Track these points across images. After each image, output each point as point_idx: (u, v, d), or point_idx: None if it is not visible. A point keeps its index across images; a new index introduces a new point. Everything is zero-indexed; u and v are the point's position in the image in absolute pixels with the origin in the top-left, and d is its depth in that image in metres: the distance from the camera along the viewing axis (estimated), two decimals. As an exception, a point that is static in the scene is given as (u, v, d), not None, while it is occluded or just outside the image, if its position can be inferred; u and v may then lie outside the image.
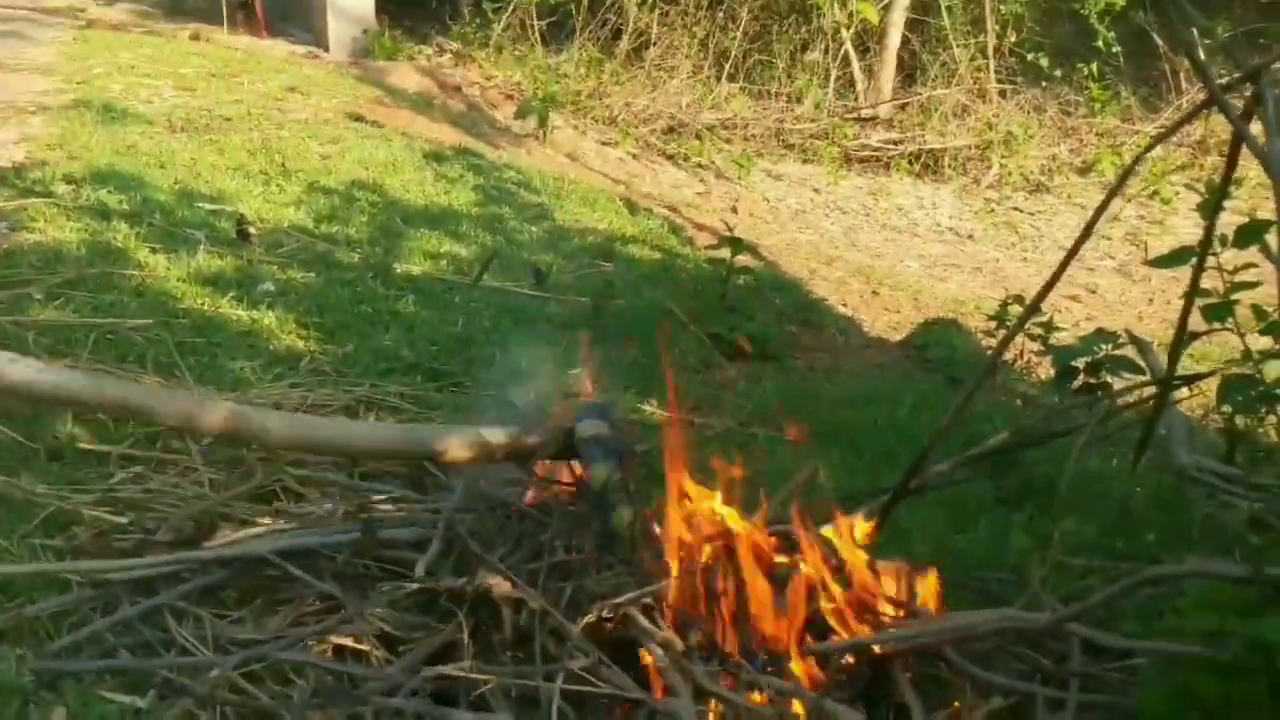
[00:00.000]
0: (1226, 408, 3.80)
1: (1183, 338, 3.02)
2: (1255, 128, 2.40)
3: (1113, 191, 2.74)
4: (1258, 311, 3.63)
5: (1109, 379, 4.56)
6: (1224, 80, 2.76)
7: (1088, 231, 2.68)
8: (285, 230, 6.12)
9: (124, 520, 3.14)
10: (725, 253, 6.27)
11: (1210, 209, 3.03)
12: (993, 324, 6.03)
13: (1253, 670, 2.14)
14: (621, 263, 6.79)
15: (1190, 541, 3.37)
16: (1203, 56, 3.01)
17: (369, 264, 5.80)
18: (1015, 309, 5.73)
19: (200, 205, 6.23)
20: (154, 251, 5.36)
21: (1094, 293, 9.00)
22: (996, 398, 5.36)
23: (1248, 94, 2.44)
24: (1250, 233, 3.46)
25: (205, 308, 4.80)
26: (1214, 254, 3.61)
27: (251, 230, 5.89)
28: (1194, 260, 3.01)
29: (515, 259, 6.34)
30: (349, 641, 2.63)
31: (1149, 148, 3.05)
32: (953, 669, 2.75)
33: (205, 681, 2.44)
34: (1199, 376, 3.47)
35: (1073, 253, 2.69)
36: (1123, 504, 3.57)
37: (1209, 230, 2.93)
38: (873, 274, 8.51)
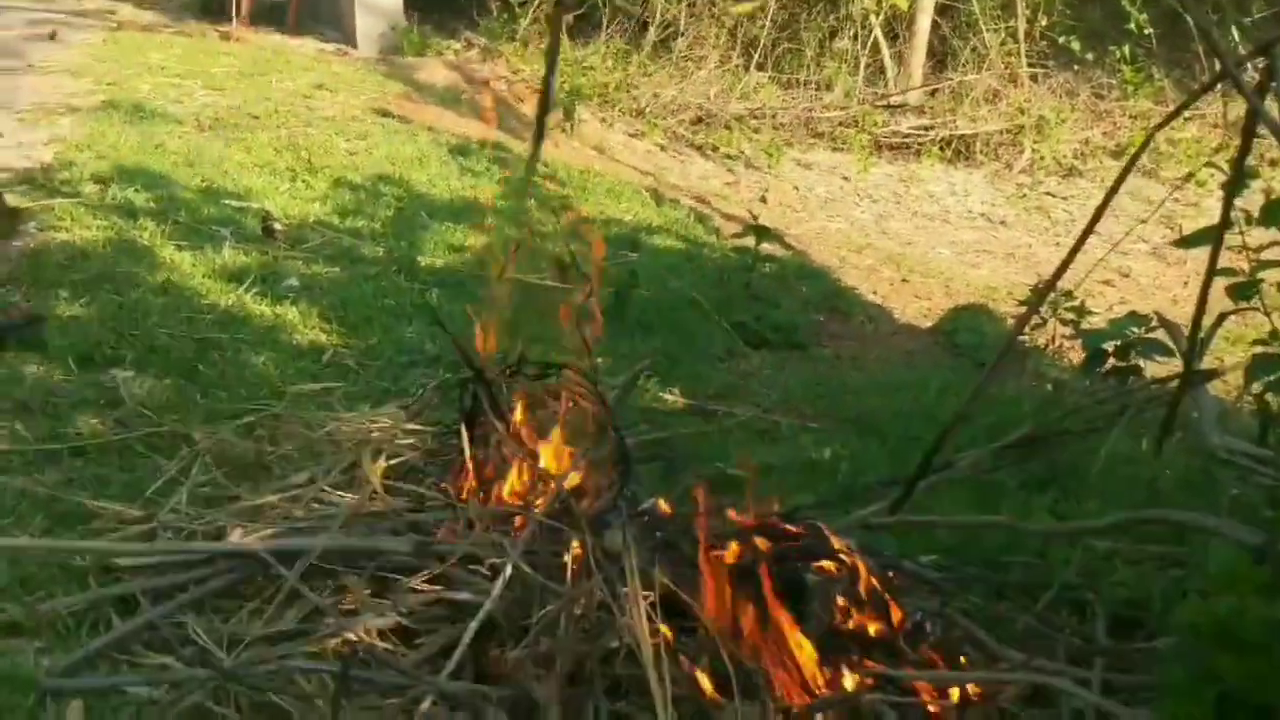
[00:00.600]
0: (1256, 387, 3.76)
1: (1201, 317, 2.99)
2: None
3: (1124, 171, 2.72)
4: (1285, 290, 3.59)
5: (1139, 362, 4.52)
6: (1240, 57, 2.73)
7: (1099, 213, 2.65)
8: (310, 226, 6.15)
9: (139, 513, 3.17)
10: (751, 241, 6.25)
11: (1229, 187, 3.00)
12: (1024, 309, 5.98)
13: (1271, 648, 2.11)
14: (647, 253, 6.78)
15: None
16: (1230, 36, 2.98)
17: (393, 258, 5.82)
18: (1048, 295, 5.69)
19: (226, 202, 6.26)
20: (179, 249, 5.40)
21: (1127, 276, 8.90)
22: (1027, 382, 5.31)
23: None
24: (1275, 210, 3.41)
25: (230, 304, 4.83)
26: (1240, 233, 3.57)
27: (277, 226, 5.92)
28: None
29: (540, 251, 6.33)
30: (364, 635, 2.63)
31: (1159, 126, 3.02)
32: (978, 647, 2.74)
33: (218, 676, 2.45)
34: (1213, 374, 3.45)
35: (1087, 232, 2.66)
36: (1150, 487, 3.53)
37: (1226, 208, 2.90)
38: (903, 261, 8.45)
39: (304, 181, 7.01)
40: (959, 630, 2.81)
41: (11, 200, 5.53)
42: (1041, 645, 2.79)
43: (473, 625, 2.52)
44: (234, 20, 12.01)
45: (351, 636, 2.58)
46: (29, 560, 2.92)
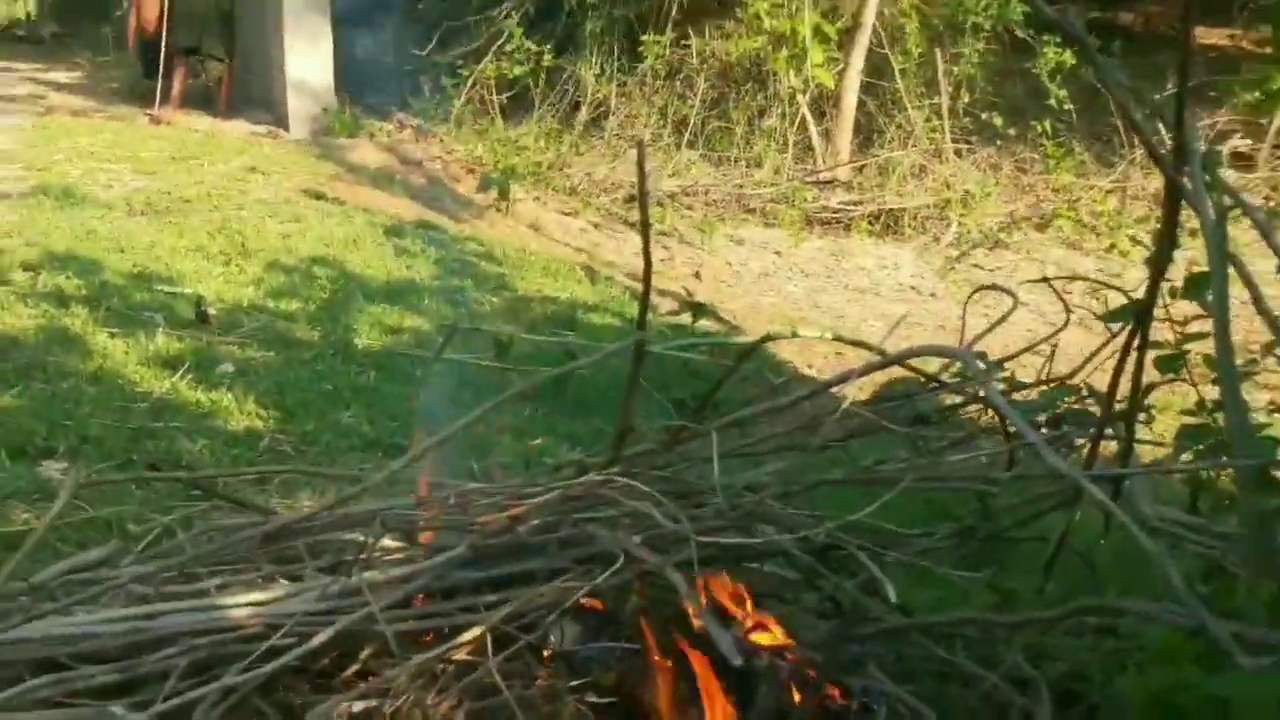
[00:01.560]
0: (1185, 456, 3.82)
1: (1115, 388, 3.07)
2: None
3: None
4: (1209, 361, 3.66)
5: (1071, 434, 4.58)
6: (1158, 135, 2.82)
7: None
8: (245, 310, 6.12)
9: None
10: (687, 318, 6.30)
11: (1155, 262, 3.07)
12: (954, 377, 6.05)
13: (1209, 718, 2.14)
14: (583, 331, 6.81)
15: (1155, 594, 3.38)
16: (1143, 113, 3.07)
17: (329, 341, 5.79)
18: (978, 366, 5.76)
19: (159, 288, 6.23)
20: (112, 336, 5.35)
21: (1057, 347, 9.05)
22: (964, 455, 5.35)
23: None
24: (1196, 285, 3.50)
25: (164, 390, 4.78)
26: (1165, 305, 3.65)
27: (210, 311, 5.89)
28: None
29: (476, 331, 6.34)
30: None
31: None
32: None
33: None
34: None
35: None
36: (1085, 559, 3.56)
37: (1153, 288, 2.97)
38: (828, 340, 8.53)
39: (237, 265, 6.98)
40: (906, 710, 2.81)
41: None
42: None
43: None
44: (164, 104, 11.98)
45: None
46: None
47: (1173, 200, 2.75)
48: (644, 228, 3.02)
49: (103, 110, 12.31)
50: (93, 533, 3.55)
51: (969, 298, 3.62)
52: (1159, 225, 3.27)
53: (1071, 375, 3.72)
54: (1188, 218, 3.03)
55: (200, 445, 4.30)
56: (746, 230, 11.16)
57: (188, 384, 4.89)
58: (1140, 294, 3.36)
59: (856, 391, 6.60)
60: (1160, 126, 3.20)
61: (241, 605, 2.82)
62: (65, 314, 5.52)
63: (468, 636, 2.56)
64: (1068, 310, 3.64)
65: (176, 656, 2.68)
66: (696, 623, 2.47)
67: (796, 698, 2.67)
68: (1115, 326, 3.67)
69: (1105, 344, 3.62)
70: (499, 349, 5.90)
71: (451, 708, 2.42)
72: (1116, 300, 3.76)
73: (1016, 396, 5.17)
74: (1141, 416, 3.53)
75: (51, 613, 2.73)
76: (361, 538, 3.05)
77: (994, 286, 3.62)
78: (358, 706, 2.64)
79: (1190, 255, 3.96)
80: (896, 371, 7.10)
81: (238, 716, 2.64)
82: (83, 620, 2.79)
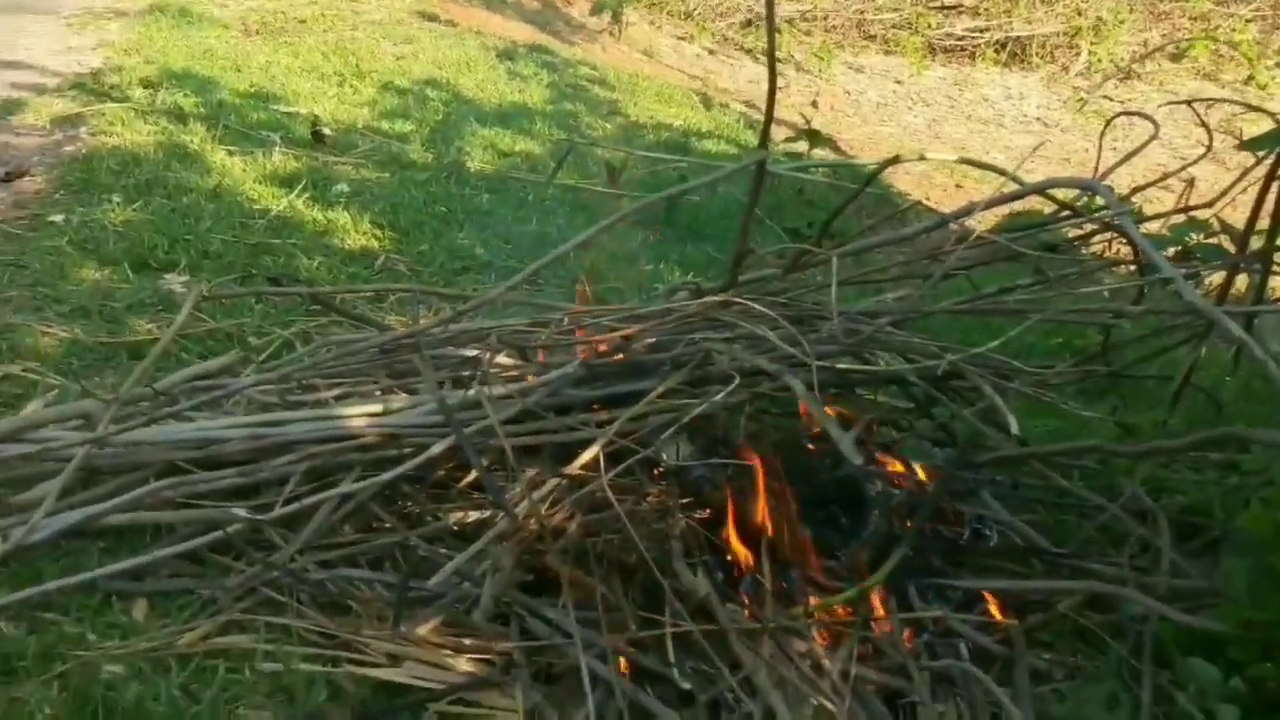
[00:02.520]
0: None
1: (1250, 232, 2.92)
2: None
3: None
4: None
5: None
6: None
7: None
8: (359, 130, 6.12)
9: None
10: (803, 146, 6.16)
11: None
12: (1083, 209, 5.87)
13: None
14: (697, 158, 6.70)
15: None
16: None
17: (442, 163, 5.78)
18: (1099, 200, 5.57)
19: (275, 108, 6.24)
20: (230, 153, 5.38)
21: (1188, 183, 8.72)
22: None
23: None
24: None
25: (281, 209, 4.81)
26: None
27: (326, 132, 5.89)
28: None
29: (589, 155, 6.28)
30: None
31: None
32: (1039, 555, 2.73)
33: (286, 568, 2.47)
34: None
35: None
36: (1211, 395, 3.46)
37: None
38: (957, 167, 8.32)
39: (352, 86, 6.97)
40: (1020, 538, 2.79)
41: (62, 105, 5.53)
42: (1103, 553, 2.77)
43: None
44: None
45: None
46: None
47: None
48: (770, 39, 2.90)
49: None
50: (214, 344, 3.62)
51: (1106, 125, 3.44)
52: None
53: (1207, 205, 3.55)
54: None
55: (317, 262, 4.34)
56: (866, 58, 10.85)
57: (304, 202, 4.92)
58: (1287, 121, 3.20)
59: (978, 223, 6.47)
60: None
61: (360, 416, 2.87)
62: (184, 131, 5.56)
63: (586, 456, 2.57)
64: (1209, 134, 3.45)
65: (296, 463, 2.74)
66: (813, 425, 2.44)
67: (908, 523, 2.66)
68: (1252, 160, 3.51)
69: (1242, 176, 3.46)
70: (611, 173, 5.86)
71: (565, 519, 2.45)
72: (1255, 131, 3.58)
73: (1145, 228, 5.01)
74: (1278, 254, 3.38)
75: (174, 416, 2.80)
76: (478, 353, 3.08)
77: (1132, 113, 3.43)
78: (473, 516, 2.69)
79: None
80: (1022, 203, 6.93)
81: (357, 522, 2.71)
82: (206, 425, 2.86)
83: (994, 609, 2.53)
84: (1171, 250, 4.54)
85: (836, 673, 2.29)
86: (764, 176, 3.01)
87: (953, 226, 3.54)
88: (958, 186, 7.68)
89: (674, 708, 2.20)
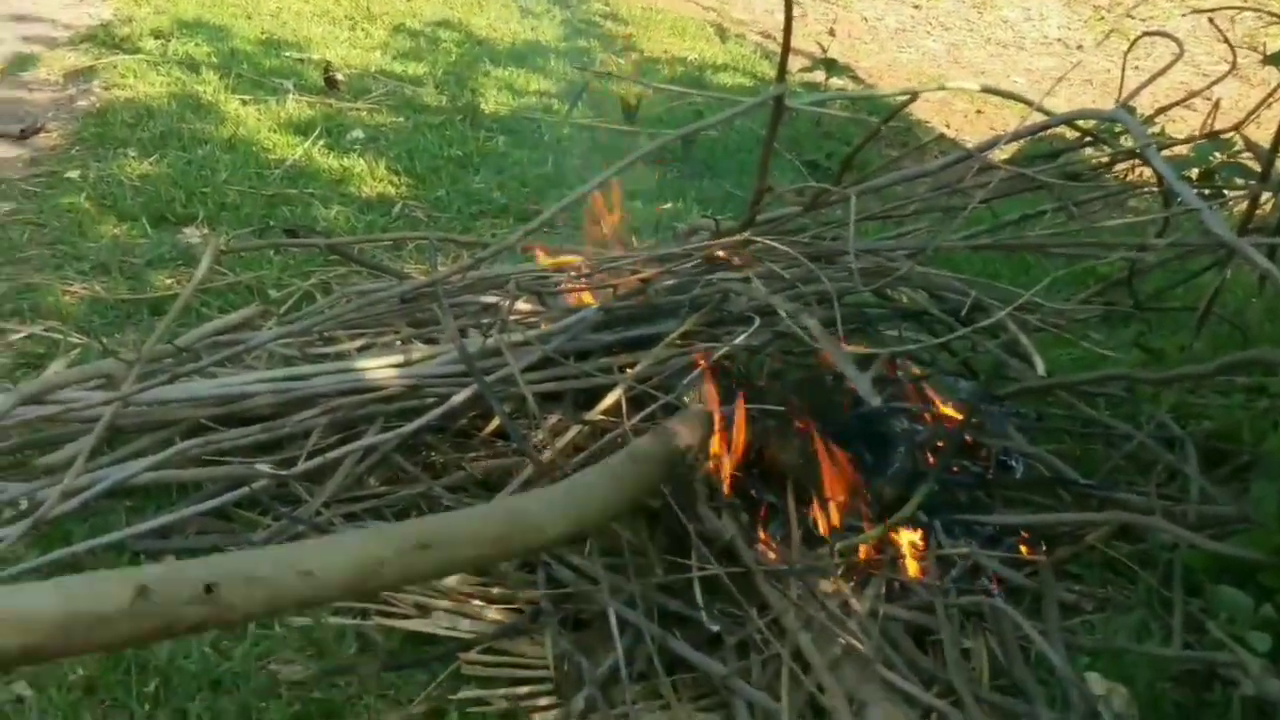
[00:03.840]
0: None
1: (1276, 151, 2.86)
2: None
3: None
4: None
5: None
6: None
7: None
8: (372, 75, 6.07)
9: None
10: (820, 76, 6.08)
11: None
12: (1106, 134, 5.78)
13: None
14: (713, 92, 6.62)
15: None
16: None
17: (456, 106, 5.73)
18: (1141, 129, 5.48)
19: (287, 54, 6.19)
20: (244, 103, 5.35)
21: (1213, 104, 8.58)
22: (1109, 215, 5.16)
23: None
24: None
25: (297, 157, 4.79)
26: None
27: (339, 77, 5.85)
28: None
29: (605, 93, 6.22)
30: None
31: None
32: (1067, 486, 2.71)
33: (313, 522, 2.48)
34: None
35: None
36: (1236, 318, 3.42)
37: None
38: (977, 93, 8.19)
39: (363, 30, 6.91)
40: (1046, 469, 2.77)
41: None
42: (1131, 482, 2.76)
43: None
44: None
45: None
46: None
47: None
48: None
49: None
50: (234, 297, 3.62)
51: (1130, 47, 3.36)
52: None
53: (1234, 129, 3.47)
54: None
55: (334, 211, 4.32)
56: (883, -18, 10.66)
57: (319, 150, 4.89)
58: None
59: (998, 151, 6.39)
60: None
61: (382, 367, 2.86)
62: (197, 81, 5.52)
63: (607, 400, 2.55)
64: (1233, 51, 3.37)
65: (319, 417, 2.74)
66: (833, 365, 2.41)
67: (931, 459, 2.65)
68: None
69: (1270, 95, 3.39)
70: (627, 111, 5.81)
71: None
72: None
73: (1167, 152, 4.93)
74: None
75: (198, 373, 2.80)
76: (497, 301, 3.06)
77: (1156, 33, 3.35)
78: (495, 464, 2.69)
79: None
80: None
81: (381, 474, 2.72)
82: (229, 381, 2.86)
83: (1022, 546, 2.52)
84: (1194, 172, 4.48)
85: (864, 612, 2.29)
86: (782, 112, 2.95)
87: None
88: (978, 112, 7.57)
89: (702, 650, 2.21)
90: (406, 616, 2.32)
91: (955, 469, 2.70)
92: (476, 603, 2.36)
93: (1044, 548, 2.55)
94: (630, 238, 3.41)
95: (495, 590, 2.38)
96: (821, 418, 2.55)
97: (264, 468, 2.60)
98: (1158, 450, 2.76)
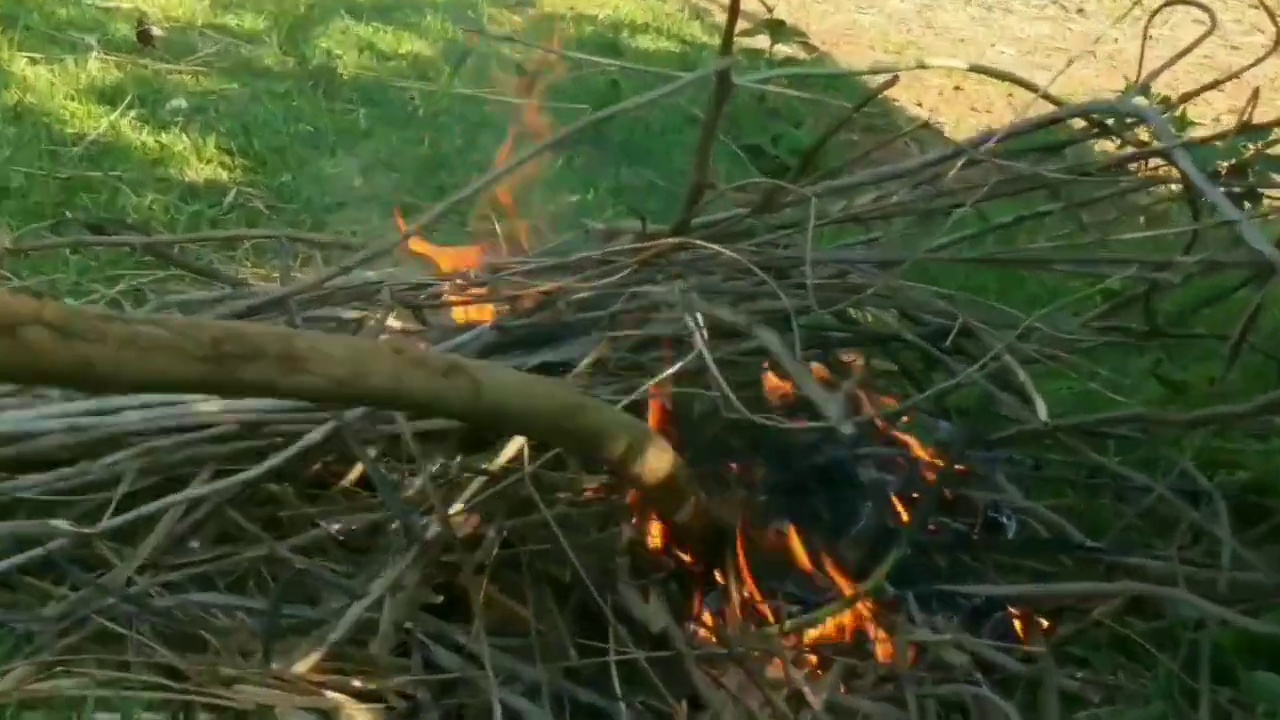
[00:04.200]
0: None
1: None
2: None
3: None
4: None
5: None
6: None
7: None
8: (199, 30, 6.06)
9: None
10: (764, 41, 6.16)
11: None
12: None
13: None
14: (632, 58, 6.69)
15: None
16: None
17: (306, 70, 5.74)
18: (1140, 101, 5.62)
19: (90, 3, 6.16)
20: (32, 62, 5.31)
21: (1240, 80, 8.83)
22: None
23: None
24: None
25: (102, 131, 4.76)
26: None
27: (155, 31, 5.83)
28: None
29: (495, 57, 6.25)
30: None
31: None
32: (1068, 550, 2.76)
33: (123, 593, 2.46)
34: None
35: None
36: (1274, 346, 3.51)
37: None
38: (965, 71, 8.35)
39: (187, -28, 6.89)
40: (1045, 528, 2.83)
41: None
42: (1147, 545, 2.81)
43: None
44: None
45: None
46: None
47: None
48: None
49: None
50: (22, 309, 3.57)
51: (1152, 15, 3.37)
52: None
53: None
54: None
55: (149, 199, 4.30)
56: (840, -73, 10.85)
57: (131, 123, 4.87)
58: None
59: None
60: None
61: (211, 399, 2.84)
62: (-29, 35, 5.50)
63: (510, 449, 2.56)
64: (1272, 17, 3.45)
65: (131, 460, 2.71)
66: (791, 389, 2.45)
67: (904, 516, 2.69)
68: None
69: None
70: (523, 80, 5.82)
71: (480, 524, 2.45)
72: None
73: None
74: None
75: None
76: (362, 316, 3.06)
77: (1179, 1, 3.39)
78: (356, 524, 2.68)
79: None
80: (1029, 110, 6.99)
81: (209, 534, 2.69)
82: (14, 417, 2.83)
83: (1015, 623, 2.57)
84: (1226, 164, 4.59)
85: (819, 704, 2.32)
86: (728, 90, 2.96)
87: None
88: (957, 89, 7.71)
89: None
90: (242, 713, 2.30)
91: (933, 527, 2.74)
92: (333, 695, 2.34)
93: (1042, 625, 2.59)
94: (532, 238, 3.44)
95: (357, 681, 2.37)
96: (770, 464, 2.58)
97: (61, 524, 2.57)
98: (1180, 506, 2.82)
